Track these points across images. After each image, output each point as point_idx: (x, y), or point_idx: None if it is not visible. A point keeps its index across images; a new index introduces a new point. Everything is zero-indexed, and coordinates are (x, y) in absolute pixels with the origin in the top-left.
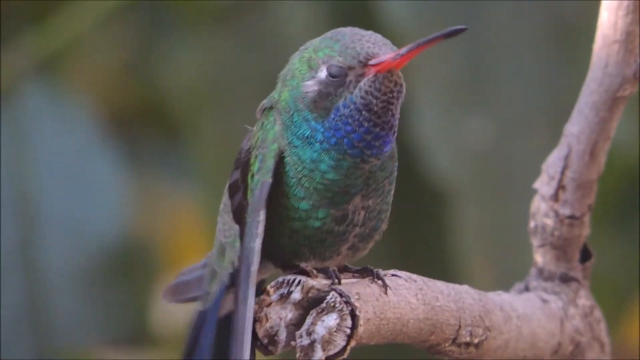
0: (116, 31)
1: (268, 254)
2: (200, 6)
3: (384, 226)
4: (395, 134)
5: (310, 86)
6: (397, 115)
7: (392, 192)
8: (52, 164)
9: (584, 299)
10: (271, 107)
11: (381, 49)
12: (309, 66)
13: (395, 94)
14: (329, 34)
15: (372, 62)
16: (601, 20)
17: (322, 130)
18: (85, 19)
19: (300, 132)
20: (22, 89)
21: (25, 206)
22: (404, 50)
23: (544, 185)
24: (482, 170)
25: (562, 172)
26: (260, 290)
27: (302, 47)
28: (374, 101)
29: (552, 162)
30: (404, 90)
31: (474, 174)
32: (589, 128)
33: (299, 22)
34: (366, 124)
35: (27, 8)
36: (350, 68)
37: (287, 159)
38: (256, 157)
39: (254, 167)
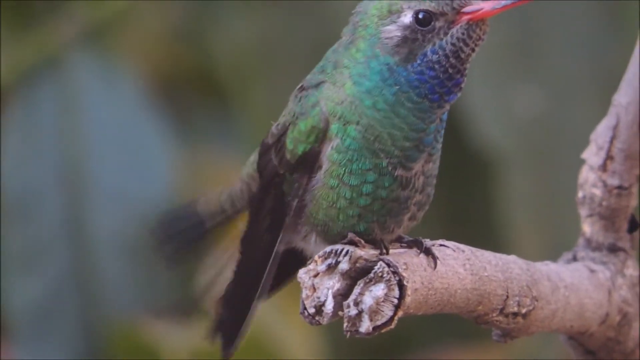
0: None
1: (332, 241)
2: None
3: (432, 193)
4: None
5: (392, 31)
6: None
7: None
8: (101, 132)
9: (632, 269)
10: (318, 84)
11: None
12: (389, 11)
13: (481, 42)
14: None
15: (466, 9)
16: None
17: (405, 74)
18: None
19: (378, 78)
20: (72, 57)
21: (75, 174)
22: (504, 1)
23: (592, 155)
24: (530, 139)
25: (611, 142)
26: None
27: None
28: (465, 48)
29: (601, 132)
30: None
31: (522, 143)
32: (638, 98)
33: None
34: (450, 71)
35: None
36: (442, 14)
37: (354, 127)
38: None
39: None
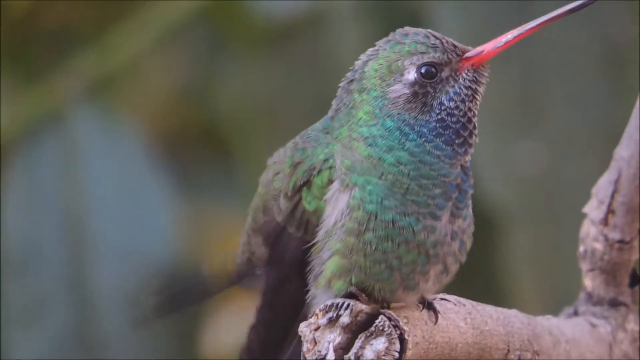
0: (168, 55)
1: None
2: (253, 29)
3: (469, 244)
4: None
5: (399, 90)
6: None
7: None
8: (103, 187)
9: (633, 324)
10: (327, 143)
11: (460, 43)
12: (390, 71)
13: (485, 84)
14: (397, 35)
15: (468, 54)
16: None
17: (426, 125)
18: (137, 42)
19: (398, 134)
20: (74, 112)
21: (76, 228)
22: (505, 39)
23: (593, 209)
24: (532, 195)
25: (612, 196)
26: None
27: (363, 58)
28: (479, 89)
29: (602, 186)
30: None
31: (524, 199)
32: (639, 152)
33: (350, 43)
34: (469, 114)
35: (79, 32)
36: (447, 63)
37: (376, 180)
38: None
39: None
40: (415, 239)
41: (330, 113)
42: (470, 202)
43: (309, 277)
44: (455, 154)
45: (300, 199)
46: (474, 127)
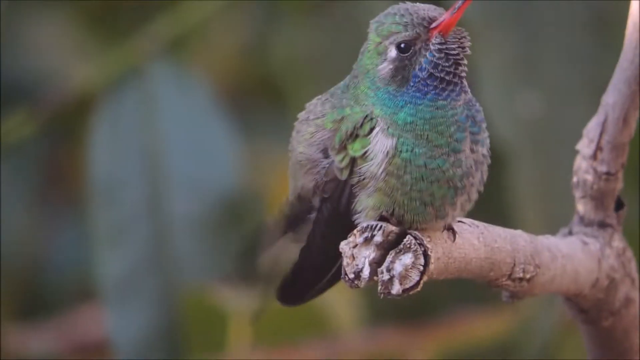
0: (231, 18)
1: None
2: None
3: (485, 176)
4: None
5: (385, 67)
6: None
7: (488, 149)
8: (176, 129)
9: (618, 242)
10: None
11: (436, 12)
12: (378, 53)
13: (465, 41)
14: (382, 17)
15: (433, 25)
16: (632, 9)
17: (407, 93)
18: (205, 7)
19: (391, 102)
20: (152, 67)
21: (153, 164)
22: (457, 5)
23: (584, 147)
24: (534, 136)
25: (600, 136)
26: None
27: (364, 46)
28: (451, 51)
29: (592, 128)
30: (468, 43)
31: (527, 139)
32: (622, 99)
33: (382, 7)
34: (449, 69)
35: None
36: (417, 37)
37: (393, 129)
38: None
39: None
40: (445, 176)
41: (346, 82)
42: (484, 125)
43: (354, 208)
44: (448, 101)
45: (347, 150)
46: (461, 72)
